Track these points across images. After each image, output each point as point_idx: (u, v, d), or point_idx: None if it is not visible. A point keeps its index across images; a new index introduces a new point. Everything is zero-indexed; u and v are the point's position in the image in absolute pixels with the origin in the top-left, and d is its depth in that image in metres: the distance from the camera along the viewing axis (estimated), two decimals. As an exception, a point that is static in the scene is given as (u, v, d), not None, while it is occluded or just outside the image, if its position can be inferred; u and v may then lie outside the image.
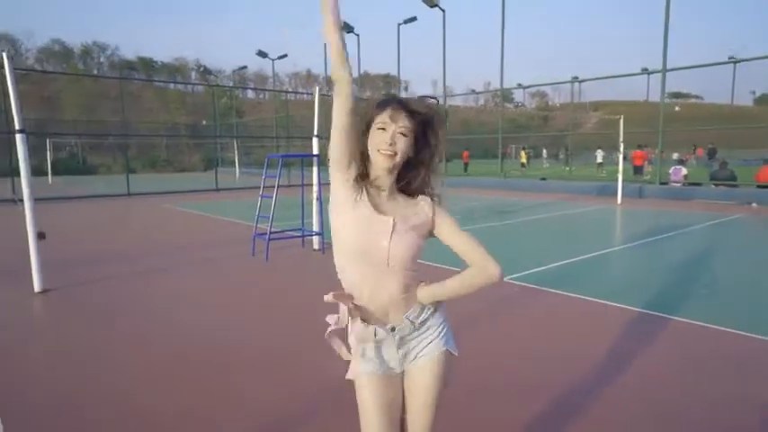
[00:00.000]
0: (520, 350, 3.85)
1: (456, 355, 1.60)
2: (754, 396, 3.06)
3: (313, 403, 2.97)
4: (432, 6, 22.39)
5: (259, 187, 7.94)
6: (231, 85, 58.51)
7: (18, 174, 5.52)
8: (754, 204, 13.18)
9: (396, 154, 1.42)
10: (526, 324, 4.45)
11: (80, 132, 40.57)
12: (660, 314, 4.53)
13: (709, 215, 11.43)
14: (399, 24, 25.38)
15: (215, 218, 11.98)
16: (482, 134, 40.66)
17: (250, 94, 70.82)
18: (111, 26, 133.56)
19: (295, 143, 25.45)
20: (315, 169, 7.77)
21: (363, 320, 1.50)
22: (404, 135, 1.43)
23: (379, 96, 1.50)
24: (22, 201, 5.50)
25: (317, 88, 8.16)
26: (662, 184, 16.58)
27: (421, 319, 1.53)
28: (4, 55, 5.42)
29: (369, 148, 1.45)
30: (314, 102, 8.03)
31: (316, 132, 7.96)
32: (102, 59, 72.14)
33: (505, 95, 32.22)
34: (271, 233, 7.22)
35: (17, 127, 5.37)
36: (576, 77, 25.38)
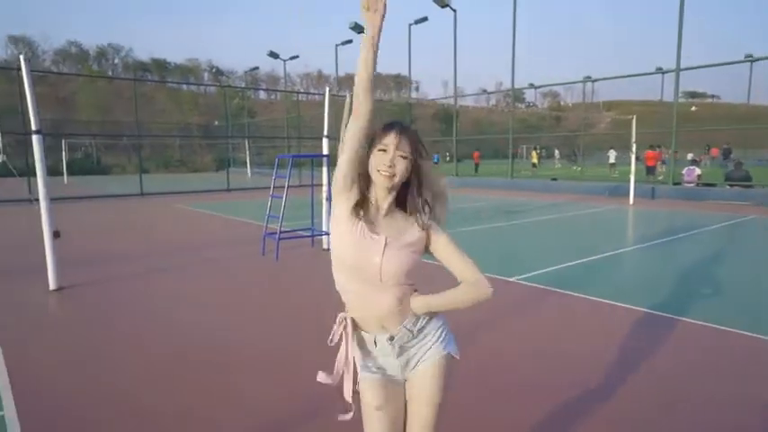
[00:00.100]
0: (528, 350, 3.85)
1: (457, 358, 1.64)
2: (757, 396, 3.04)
3: (313, 403, 2.97)
4: (443, 6, 22.38)
5: (270, 187, 8.01)
6: (243, 85, 58.89)
7: (34, 174, 5.62)
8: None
9: (394, 175, 1.48)
10: (534, 325, 4.45)
11: (95, 133, 41.18)
12: (670, 315, 4.50)
13: (723, 216, 11.30)
14: (410, 24, 25.39)
15: (226, 218, 12.11)
16: (493, 134, 40.49)
17: (262, 94, 71.25)
18: (126, 28, 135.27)
19: (306, 143, 25.57)
20: (324, 169, 7.82)
21: (362, 330, 1.57)
22: (403, 158, 1.49)
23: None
24: (37, 200, 5.62)
25: (328, 89, 8.21)
26: (675, 184, 16.41)
27: (418, 327, 1.57)
28: (22, 57, 5.53)
29: (369, 168, 1.51)
30: (324, 102, 8.08)
31: (326, 133, 8.01)
32: (116, 61, 73.17)
33: (517, 95, 32.03)
34: (281, 233, 7.29)
35: (33, 128, 5.49)
36: (589, 77, 25.20)
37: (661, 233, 9.10)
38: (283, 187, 7.31)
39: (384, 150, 1.48)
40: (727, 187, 15.39)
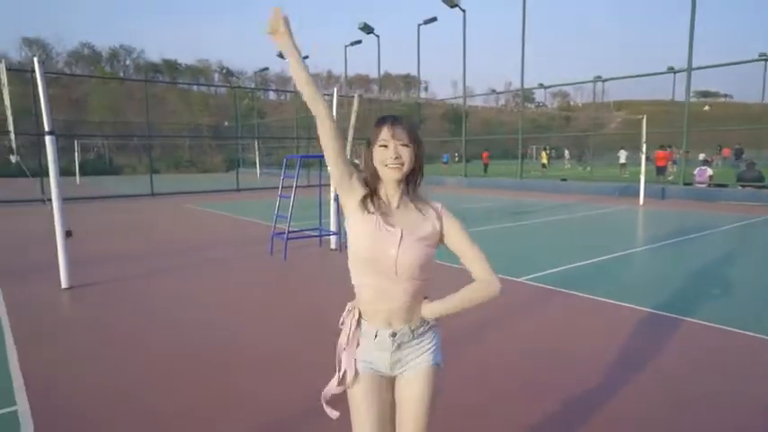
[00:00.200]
0: (532, 350, 3.86)
1: (442, 368, 1.67)
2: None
3: (313, 403, 2.98)
4: (452, 6, 22.35)
5: (279, 187, 8.07)
6: (253, 86, 59.23)
7: (47, 174, 5.71)
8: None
9: (403, 164, 1.51)
10: (540, 325, 4.44)
11: (106, 134, 41.61)
12: (678, 316, 4.48)
13: (734, 217, 11.19)
14: (419, 25, 25.39)
15: (235, 218, 12.20)
16: (502, 135, 40.35)
17: (271, 95, 71.59)
18: (137, 29, 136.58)
19: (315, 144, 25.67)
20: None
21: (366, 322, 1.59)
22: (405, 146, 1.52)
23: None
24: (50, 200, 5.71)
25: (335, 89, 8.25)
26: (686, 184, 16.26)
27: (419, 330, 1.60)
28: (35, 60, 5.63)
29: (376, 165, 1.54)
30: (333, 103, 8.12)
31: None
32: (128, 62, 73.89)
33: (526, 95, 31.88)
34: (289, 233, 7.34)
35: (46, 129, 5.57)
36: (599, 77, 25.02)
37: (670, 234, 9.03)
38: (292, 187, 7.36)
39: (384, 146, 1.51)
40: (740, 188, 15.22)
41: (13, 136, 5.89)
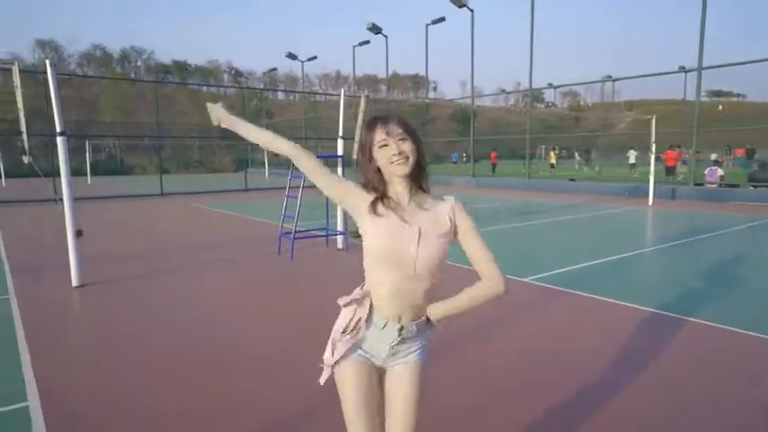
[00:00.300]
0: (536, 350, 3.86)
1: (428, 366, 1.68)
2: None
3: (313, 403, 3.00)
4: (460, 6, 22.33)
5: (286, 187, 8.12)
6: (262, 86, 59.52)
7: (59, 174, 5.79)
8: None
9: (408, 158, 1.52)
10: (544, 325, 4.45)
11: (117, 134, 42.01)
12: (684, 317, 4.46)
13: (745, 217, 11.08)
14: (427, 25, 25.40)
15: (243, 217, 12.29)
16: (511, 135, 40.21)
17: (280, 95, 71.90)
18: (148, 30, 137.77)
19: (324, 144, 25.79)
20: (339, 170, 7.90)
21: (376, 313, 1.59)
22: (405, 140, 1.53)
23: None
24: (62, 200, 5.80)
25: (343, 90, 8.29)
26: (696, 185, 16.12)
27: (421, 329, 1.62)
28: (47, 62, 5.72)
29: (381, 166, 1.55)
30: (341, 103, 8.17)
31: (341, 134, 8.09)
32: (139, 63, 74.57)
33: (536, 95, 31.79)
34: (296, 233, 7.39)
35: (58, 130, 5.66)
36: (610, 76, 24.97)
37: (678, 235, 8.97)
38: (299, 187, 7.41)
39: (384, 144, 1.52)
40: (751, 188, 15.06)
41: (25, 137, 5.99)
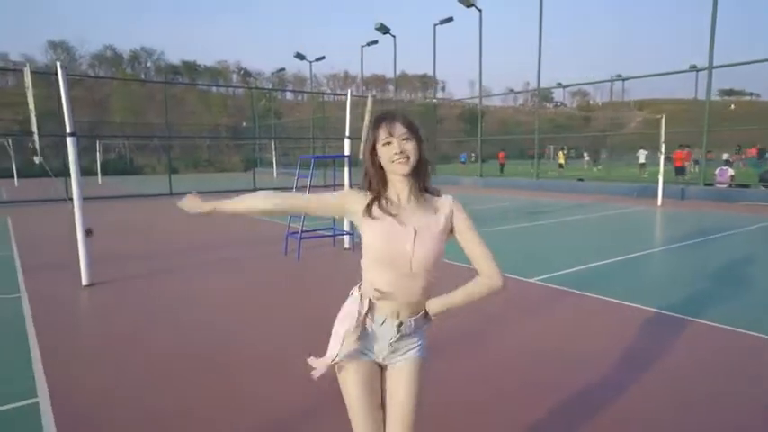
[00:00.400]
0: (540, 351, 3.86)
1: (427, 362, 1.71)
2: (780, 403, 2.99)
3: (313, 403, 3.01)
4: (468, 6, 22.29)
5: (293, 187, 8.16)
6: (270, 87, 59.79)
7: (70, 174, 5.86)
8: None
9: (408, 158, 1.55)
10: (548, 325, 4.44)
11: (127, 134, 42.42)
12: (687, 317, 4.44)
13: (754, 218, 10.97)
14: (435, 25, 25.37)
15: (251, 217, 12.34)
16: (519, 134, 40.05)
17: (288, 95, 72.17)
18: (158, 31, 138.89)
19: (331, 144, 25.84)
20: (346, 170, 7.93)
21: (375, 310, 1.62)
22: (408, 140, 1.56)
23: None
24: (72, 200, 5.87)
25: (350, 91, 8.32)
26: (707, 185, 15.98)
27: (419, 325, 1.64)
28: (58, 64, 5.80)
29: (383, 163, 1.58)
30: (347, 104, 8.19)
31: (347, 134, 8.12)
32: (149, 64, 75.14)
33: (545, 95, 31.63)
34: (302, 232, 7.43)
35: (68, 131, 5.74)
36: (620, 75, 24.78)
37: (686, 235, 8.90)
38: (306, 187, 7.45)
39: (388, 143, 1.55)
40: (762, 188, 14.90)
41: (36, 137, 6.07)
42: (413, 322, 1.61)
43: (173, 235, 9.97)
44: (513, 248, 8.09)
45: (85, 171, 7.00)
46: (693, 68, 29.74)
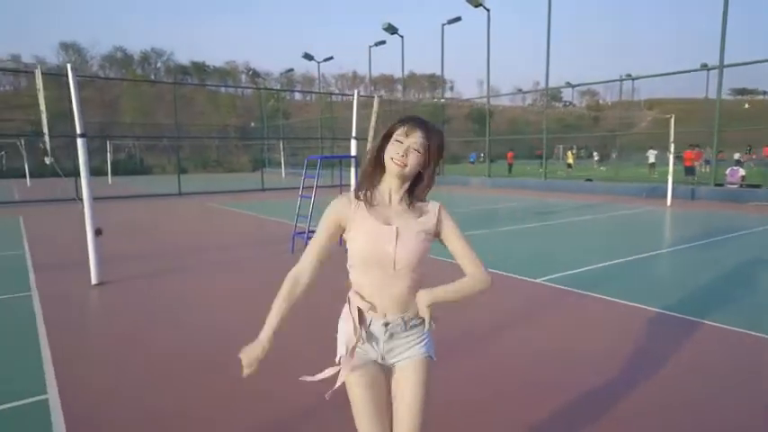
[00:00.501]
0: (539, 351, 3.86)
1: (435, 360, 1.72)
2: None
3: (314, 403, 3.02)
4: (476, 6, 22.25)
5: (300, 187, 8.21)
6: (279, 87, 60.02)
7: (80, 174, 5.94)
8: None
9: (406, 165, 1.57)
10: (551, 326, 4.43)
11: (137, 135, 42.81)
12: (690, 318, 4.41)
13: (766, 218, 10.85)
14: (443, 25, 25.34)
15: (258, 217, 12.43)
16: (528, 134, 39.87)
17: (297, 95, 72.41)
18: (168, 31, 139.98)
19: (340, 144, 25.89)
20: (352, 170, 7.96)
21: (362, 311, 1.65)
22: (417, 151, 1.57)
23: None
24: (82, 199, 5.95)
25: (356, 91, 8.35)
26: (717, 185, 15.83)
27: (411, 323, 1.65)
28: (69, 66, 5.88)
29: (384, 156, 1.60)
30: (354, 104, 8.22)
31: (354, 134, 8.15)
32: (158, 65, 75.72)
33: (554, 94, 31.45)
34: (309, 232, 7.46)
35: (78, 131, 5.82)
36: (629, 75, 24.59)
37: (694, 236, 8.83)
38: (312, 187, 7.49)
39: (400, 141, 1.57)
40: (773, 189, 14.73)
41: (47, 138, 6.16)
42: (401, 320, 1.63)
43: (181, 235, 10.06)
44: (520, 249, 8.08)
45: (96, 171, 7.09)
46: (704, 67, 29.43)
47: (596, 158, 36.26)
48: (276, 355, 3.76)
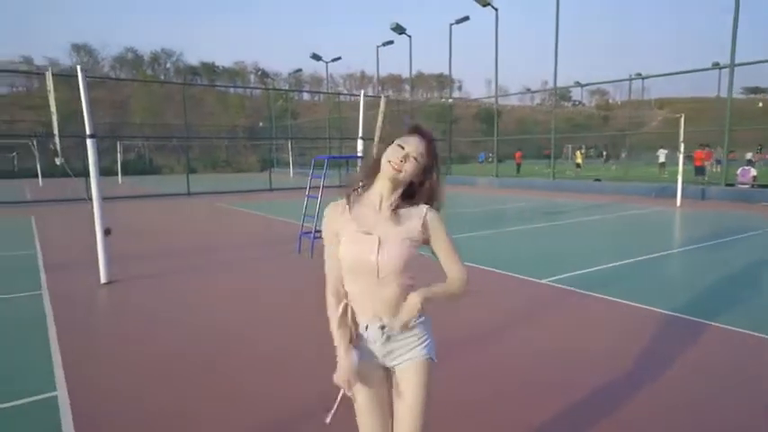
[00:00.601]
0: (540, 351, 3.85)
1: (435, 361, 1.73)
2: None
3: (314, 403, 3.02)
4: (484, 5, 22.19)
5: (307, 187, 8.24)
6: (287, 87, 60.21)
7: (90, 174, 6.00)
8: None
9: (401, 171, 1.59)
10: (552, 326, 4.41)
11: (147, 135, 43.14)
12: (694, 318, 4.38)
13: (778, 219, 10.73)
14: (451, 24, 25.30)
15: (266, 217, 12.49)
16: (536, 134, 39.67)
17: (305, 96, 72.61)
18: (178, 32, 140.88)
19: (348, 144, 25.95)
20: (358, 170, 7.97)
21: (357, 315, 1.68)
22: (416, 160, 1.60)
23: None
24: (92, 199, 6.02)
25: (363, 91, 8.37)
26: (728, 185, 15.66)
27: (410, 324, 1.66)
28: (78, 68, 5.95)
29: (383, 157, 1.62)
30: (360, 104, 8.24)
31: (360, 134, 8.17)
32: (168, 65, 76.29)
33: (563, 94, 31.27)
34: (315, 232, 7.49)
35: (88, 132, 5.89)
36: (639, 74, 24.39)
37: (703, 237, 8.74)
38: (319, 187, 7.52)
39: (401, 147, 1.60)
40: (786, 189, 14.55)
41: (57, 139, 6.24)
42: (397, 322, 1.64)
43: (189, 234, 10.14)
44: (527, 249, 8.05)
45: (106, 171, 7.17)
46: (716, 66, 29.13)
47: (604, 158, 35.97)
48: (276, 355, 3.84)
